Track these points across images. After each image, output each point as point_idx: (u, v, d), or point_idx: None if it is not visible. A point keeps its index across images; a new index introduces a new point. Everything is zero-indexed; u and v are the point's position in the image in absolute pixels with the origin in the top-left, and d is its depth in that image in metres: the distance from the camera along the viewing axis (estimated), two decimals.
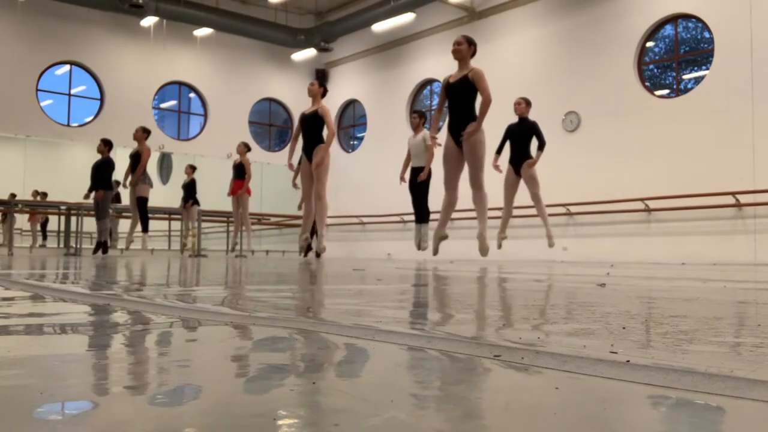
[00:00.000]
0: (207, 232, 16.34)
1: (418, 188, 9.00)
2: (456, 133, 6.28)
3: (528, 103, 8.33)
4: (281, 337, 1.11)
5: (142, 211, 10.48)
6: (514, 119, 8.34)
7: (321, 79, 18.76)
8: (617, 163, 12.19)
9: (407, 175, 9.35)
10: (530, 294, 2.36)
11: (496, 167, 8.24)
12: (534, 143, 8.20)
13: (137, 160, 10.50)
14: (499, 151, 8.43)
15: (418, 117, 9.13)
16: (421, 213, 9.03)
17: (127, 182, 10.59)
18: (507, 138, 8.34)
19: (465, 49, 6.31)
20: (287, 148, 18.52)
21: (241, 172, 11.68)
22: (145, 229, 10.54)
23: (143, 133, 10.59)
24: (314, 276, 3.71)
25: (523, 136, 8.21)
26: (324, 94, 8.03)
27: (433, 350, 0.97)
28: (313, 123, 7.86)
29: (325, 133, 7.77)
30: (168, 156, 17.15)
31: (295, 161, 8.46)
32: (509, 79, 13.95)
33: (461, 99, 6.23)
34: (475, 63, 6.41)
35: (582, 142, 12.83)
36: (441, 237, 6.68)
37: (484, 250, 6.46)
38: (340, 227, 17.38)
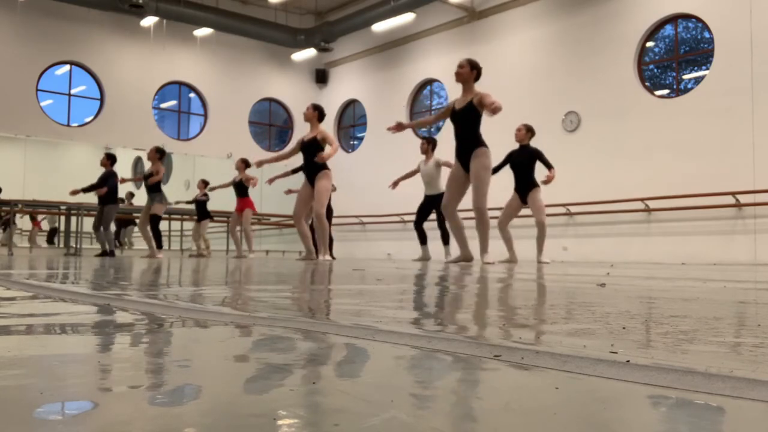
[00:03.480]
0: (206, 232, 16.31)
1: (437, 212, 9.03)
2: (463, 158, 6.37)
3: (529, 130, 8.22)
4: (281, 337, 1.11)
5: (155, 228, 10.46)
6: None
7: (321, 79, 18.76)
8: (617, 163, 12.19)
9: (404, 185, 9.41)
10: (530, 294, 2.36)
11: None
12: (538, 168, 8.17)
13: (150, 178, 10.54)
14: (494, 171, 8.35)
15: (427, 143, 9.12)
16: (443, 233, 9.11)
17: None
18: (507, 162, 8.30)
19: (466, 72, 6.32)
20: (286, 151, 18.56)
21: (241, 189, 11.81)
22: (159, 246, 10.50)
23: (156, 153, 10.62)
24: (315, 276, 3.72)
25: (524, 164, 8.13)
26: (321, 118, 8.00)
27: (433, 350, 0.97)
28: (312, 149, 7.84)
29: (327, 150, 7.71)
30: (168, 156, 17.14)
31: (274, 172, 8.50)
32: (509, 80, 13.95)
33: (465, 126, 6.30)
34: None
35: (582, 142, 12.83)
36: (466, 259, 6.74)
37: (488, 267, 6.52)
38: (340, 227, 17.37)
